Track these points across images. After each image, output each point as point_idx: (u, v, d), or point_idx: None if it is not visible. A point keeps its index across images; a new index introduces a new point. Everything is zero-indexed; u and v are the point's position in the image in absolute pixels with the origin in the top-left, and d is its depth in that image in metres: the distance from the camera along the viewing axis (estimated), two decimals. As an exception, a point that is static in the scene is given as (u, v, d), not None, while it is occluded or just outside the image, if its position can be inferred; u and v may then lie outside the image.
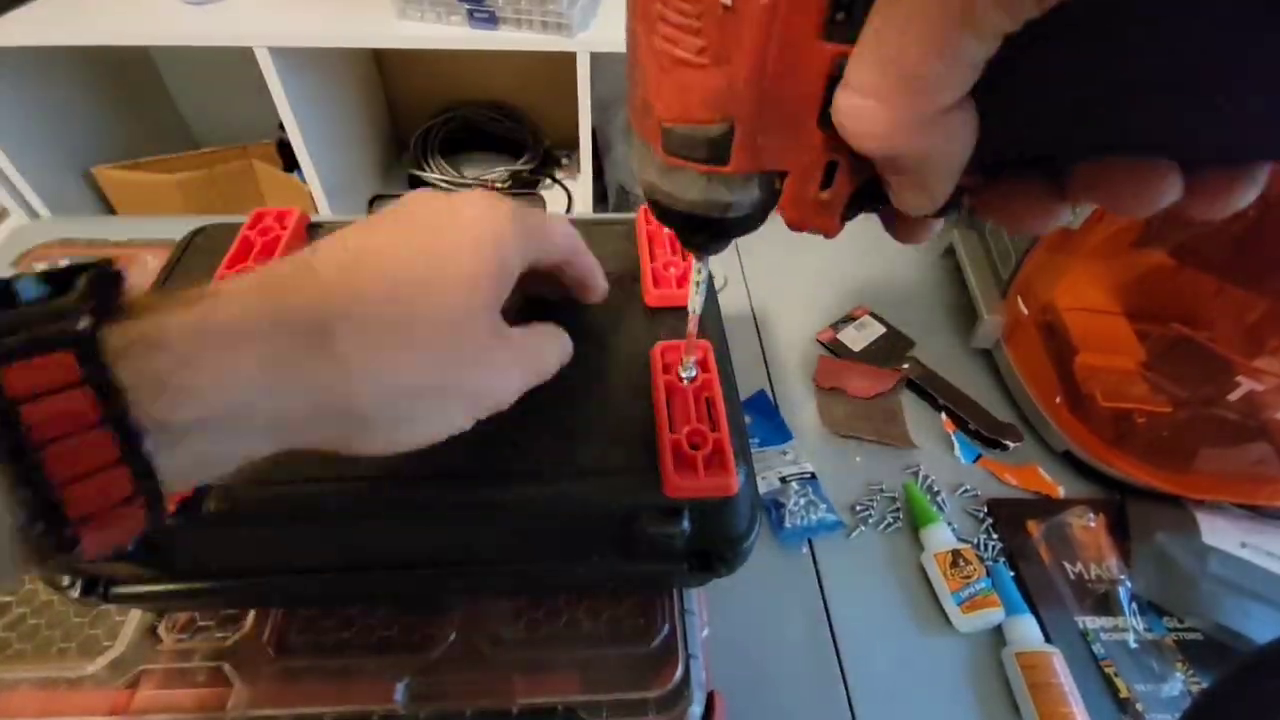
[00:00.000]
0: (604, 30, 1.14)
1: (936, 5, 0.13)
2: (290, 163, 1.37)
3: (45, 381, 0.17)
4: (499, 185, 1.49)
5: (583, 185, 1.42)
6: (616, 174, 1.47)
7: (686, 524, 0.31)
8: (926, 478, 0.54)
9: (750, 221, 0.22)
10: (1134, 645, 0.45)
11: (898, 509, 0.52)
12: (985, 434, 0.57)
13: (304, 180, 1.30)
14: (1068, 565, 0.49)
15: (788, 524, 0.50)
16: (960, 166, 0.17)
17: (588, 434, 0.34)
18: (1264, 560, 0.48)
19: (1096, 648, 0.45)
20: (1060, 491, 0.54)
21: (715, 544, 0.32)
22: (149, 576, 0.32)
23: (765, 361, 0.63)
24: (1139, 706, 0.42)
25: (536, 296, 0.37)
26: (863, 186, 0.19)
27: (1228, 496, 0.51)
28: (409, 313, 0.24)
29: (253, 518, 0.30)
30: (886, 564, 0.49)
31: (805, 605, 0.47)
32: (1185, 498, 0.51)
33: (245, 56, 1.10)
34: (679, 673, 0.34)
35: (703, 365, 0.36)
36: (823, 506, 0.51)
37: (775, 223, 0.22)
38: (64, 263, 0.20)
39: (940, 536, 0.49)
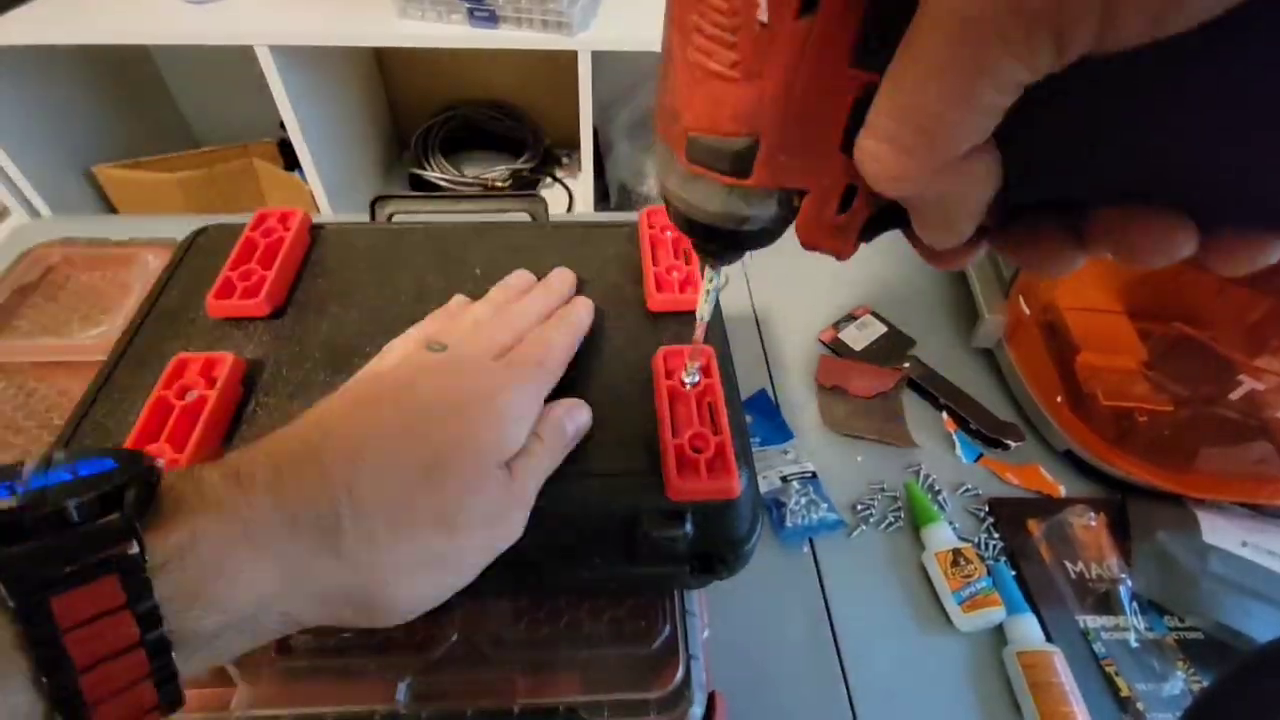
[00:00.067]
0: (605, 29, 1.14)
1: (955, 55, 0.13)
2: (291, 161, 1.37)
3: (92, 609, 0.19)
4: (500, 184, 1.49)
5: (583, 184, 1.42)
6: (617, 173, 1.47)
7: (689, 527, 0.31)
8: (928, 477, 0.54)
9: (766, 236, 0.22)
10: (1135, 644, 0.45)
11: (899, 508, 0.52)
12: (986, 433, 0.56)
13: (304, 179, 1.31)
14: (1069, 564, 0.49)
15: (789, 523, 0.50)
16: (981, 208, 0.17)
17: (590, 438, 0.34)
18: (1265, 559, 0.48)
19: (1097, 647, 0.45)
20: (1061, 491, 0.54)
21: (717, 546, 0.32)
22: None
23: (766, 360, 0.63)
24: (1140, 706, 0.42)
25: None
26: (882, 210, 0.19)
27: (1229, 496, 0.51)
28: (415, 503, 0.25)
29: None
30: (887, 563, 0.49)
31: (806, 605, 0.47)
32: (1186, 497, 0.51)
33: (246, 55, 1.10)
34: (680, 673, 0.34)
35: (705, 370, 0.36)
36: (824, 506, 0.51)
37: (777, 223, 0.22)
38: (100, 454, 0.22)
39: (941, 536, 0.49)
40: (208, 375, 0.35)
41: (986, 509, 0.52)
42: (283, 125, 1.21)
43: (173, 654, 0.20)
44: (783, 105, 0.17)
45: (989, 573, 0.47)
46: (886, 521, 0.51)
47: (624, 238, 0.46)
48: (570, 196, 1.52)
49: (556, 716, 0.33)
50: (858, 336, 0.64)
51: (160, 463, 0.26)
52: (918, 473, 0.54)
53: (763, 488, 0.52)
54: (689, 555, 0.32)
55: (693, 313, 0.34)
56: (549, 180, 1.56)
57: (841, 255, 0.21)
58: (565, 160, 1.58)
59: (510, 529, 0.28)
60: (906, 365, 0.61)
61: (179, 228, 0.55)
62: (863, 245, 0.21)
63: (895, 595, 0.48)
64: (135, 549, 0.19)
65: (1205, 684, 0.44)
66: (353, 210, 1.39)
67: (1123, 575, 0.48)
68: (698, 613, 0.37)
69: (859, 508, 0.52)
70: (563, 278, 0.41)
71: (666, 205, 0.23)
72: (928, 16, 0.13)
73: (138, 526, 0.20)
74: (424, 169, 1.51)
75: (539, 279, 0.41)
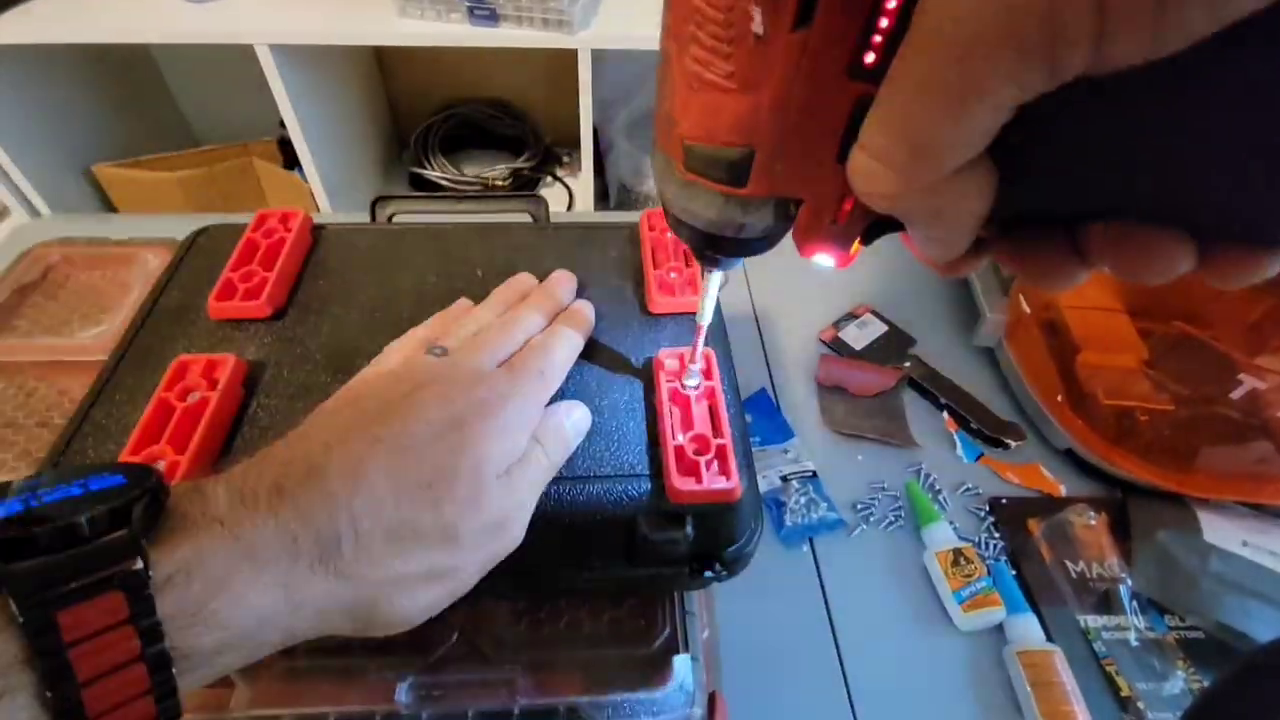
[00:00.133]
0: (605, 27, 1.14)
1: (947, 75, 0.13)
2: (291, 160, 1.37)
3: (96, 624, 0.19)
4: (500, 183, 1.49)
5: (584, 183, 1.42)
6: (618, 172, 1.47)
7: (689, 530, 0.31)
8: (928, 476, 0.54)
9: (763, 243, 0.22)
10: (1135, 644, 0.45)
11: (899, 507, 0.52)
12: (987, 432, 0.56)
13: (304, 178, 1.30)
14: (1069, 564, 0.49)
15: (789, 523, 0.50)
16: (975, 223, 0.17)
17: (591, 440, 0.34)
18: (1265, 559, 0.48)
19: (1098, 646, 0.45)
20: (1062, 490, 0.54)
21: (717, 549, 0.32)
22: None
23: (767, 360, 0.63)
24: (1140, 705, 0.42)
25: None
26: (881, 216, 0.19)
27: (1230, 495, 0.51)
28: (416, 519, 0.25)
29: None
30: (888, 563, 0.49)
31: (806, 604, 0.47)
32: (1187, 496, 0.51)
33: (246, 54, 1.09)
34: (680, 673, 0.34)
35: (705, 372, 0.36)
36: (824, 505, 0.51)
37: (777, 224, 0.22)
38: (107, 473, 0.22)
39: (942, 535, 0.49)
40: (209, 377, 0.35)
41: (987, 508, 0.52)
42: (283, 124, 1.21)
43: (173, 669, 0.20)
44: (779, 116, 0.17)
45: (989, 572, 0.47)
46: (887, 521, 0.51)
47: (624, 239, 0.46)
48: (570, 195, 1.52)
49: (557, 716, 0.33)
50: (858, 335, 0.64)
51: (160, 466, 0.26)
52: (918, 472, 0.54)
53: (763, 487, 0.52)
54: (689, 557, 0.32)
55: (693, 315, 0.34)
56: (549, 179, 1.55)
57: (838, 264, 0.21)
58: (565, 159, 1.58)
59: (511, 536, 0.28)
60: (907, 364, 0.61)
61: (179, 227, 0.55)
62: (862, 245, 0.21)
63: (895, 595, 0.48)
64: (140, 565, 0.20)
65: (1205, 683, 0.44)
66: (352, 209, 1.39)
67: (1123, 574, 0.48)
68: (698, 613, 0.37)
69: (859, 507, 0.52)
70: (564, 281, 0.41)
71: (665, 212, 0.23)
72: (920, 35, 0.13)
73: (144, 543, 0.20)
74: (424, 168, 1.51)
75: (540, 280, 0.41)
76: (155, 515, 0.22)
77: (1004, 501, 0.53)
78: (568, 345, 0.36)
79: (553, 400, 0.34)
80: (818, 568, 0.49)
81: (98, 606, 0.19)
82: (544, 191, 1.52)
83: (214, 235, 0.46)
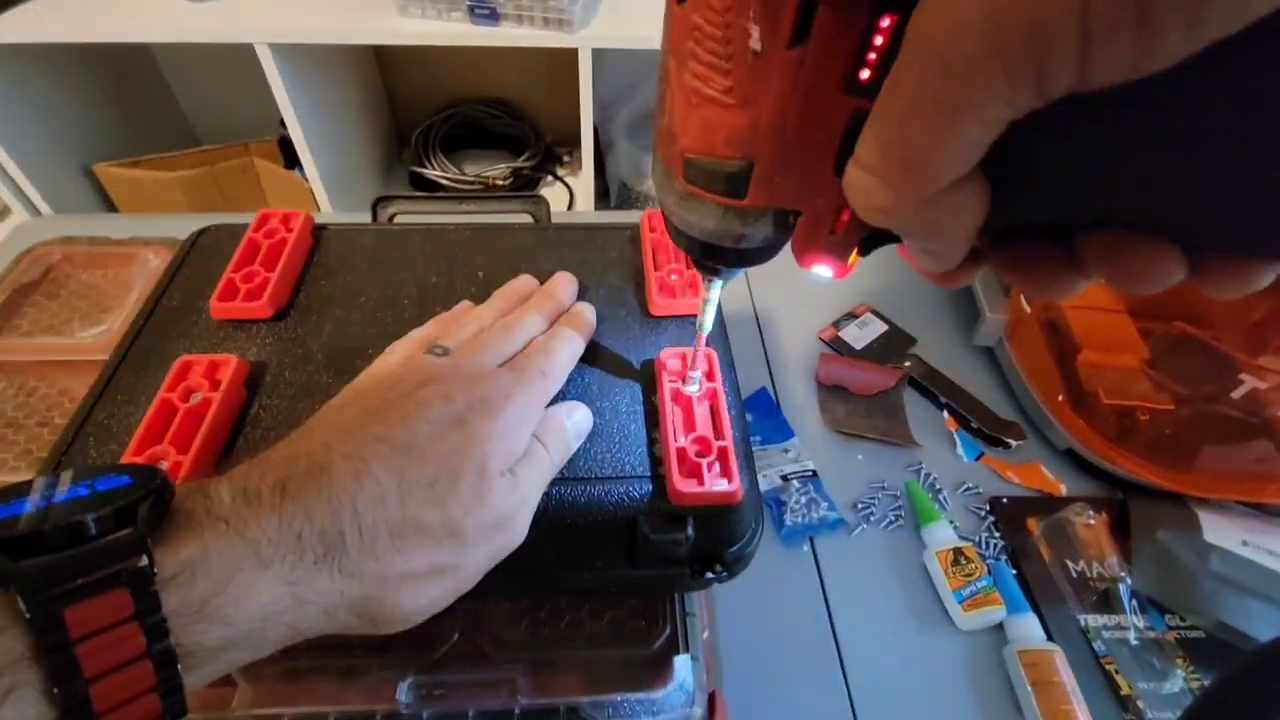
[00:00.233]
0: (606, 26, 1.14)
1: (938, 94, 0.13)
2: (291, 160, 1.37)
3: (103, 621, 0.19)
4: (500, 182, 1.49)
5: (584, 182, 1.42)
6: (618, 171, 1.47)
7: (690, 531, 0.31)
8: (928, 476, 0.54)
9: (762, 253, 0.23)
10: (1135, 643, 0.45)
11: (899, 507, 0.52)
12: (987, 432, 0.57)
13: (305, 177, 1.30)
14: (1069, 563, 0.49)
15: (789, 522, 0.50)
16: (970, 234, 0.17)
17: (592, 441, 0.34)
18: (1265, 558, 0.48)
19: (1098, 645, 0.45)
20: (1062, 489, 0.54)
21: (718, 550, 0.32)
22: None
23: (767, 359, 0.63)
24: (1140, 704, 0.42)
25: None
26: (876, 230, 0.20)
27: (1230, 494, 0.51)
28: (420, 517, 0.25)
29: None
30: (888, 562, 0.49)
31: (807, 603, 0.47)
32: (1187, 495, 0.51)
33: (246, 53, 1.09)
34: (680, 674, 0.34)
35: (707, 374, 0.36)
36: (824, 504, 0.51)
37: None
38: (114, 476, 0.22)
39: (942, 534, 0.49)
40: (211, 377, 0.35)
41: (987, 508, 0.52)
42: (283, 123, 1.21)
43: (178, 666, 0.21)
44: (777, 130, 0.17)
45: (989, 571, 0.47)
46: (887, 520, 0.51)
47: (625, 240, 0.46)
48: (571, 194, 1.52)
49: (557, 716, 0.33)
50: (858, 335, 0.64)
51: (164, 466, 0.26)
52: (918, 471, 0.54)
53: (763, 486, 0.52)
54: (690, 558, 0.32)
55: (694, 317, 0.34)
56: (549, 178, 1.55)
57: (836, 274, 0.22)
58: (566, 158, 1.58)
59: (514, 534, 0.29)
60: (907, 364, 0.62)
61: (180, 226, 0.55)
62: None
63: (896, 594, 0.48)
64: (145, 562, 0.20)
65: (1205, 683, 0.44)
66: (353, 208, 1.39)
67: (1123, 574, 0.48)
68: (698, 613, 0.37)
69: (860, 506, 0.52)
70: (565, 283, 0.41)
71: (665, 222, 0.24)
72: (912, 54, 0.14)
73: (149, 541, 0.20)
74: (424, 167, 1.51)
75: (541, 282, 0.41)
76: (160, 514, 0.22)
77: (1004, 501, 0.53)
78: (569, 346, 0.36)
79: (554, 401, 0.34)
80: (818, 567, 0.49)
81: (103, 604, 0.19)
82: (544, 190, 1.52)
83: (215, 235, 0.46)
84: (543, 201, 0.52)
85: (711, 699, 0.35)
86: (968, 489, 0.54)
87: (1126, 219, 0.16)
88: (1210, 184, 0.14)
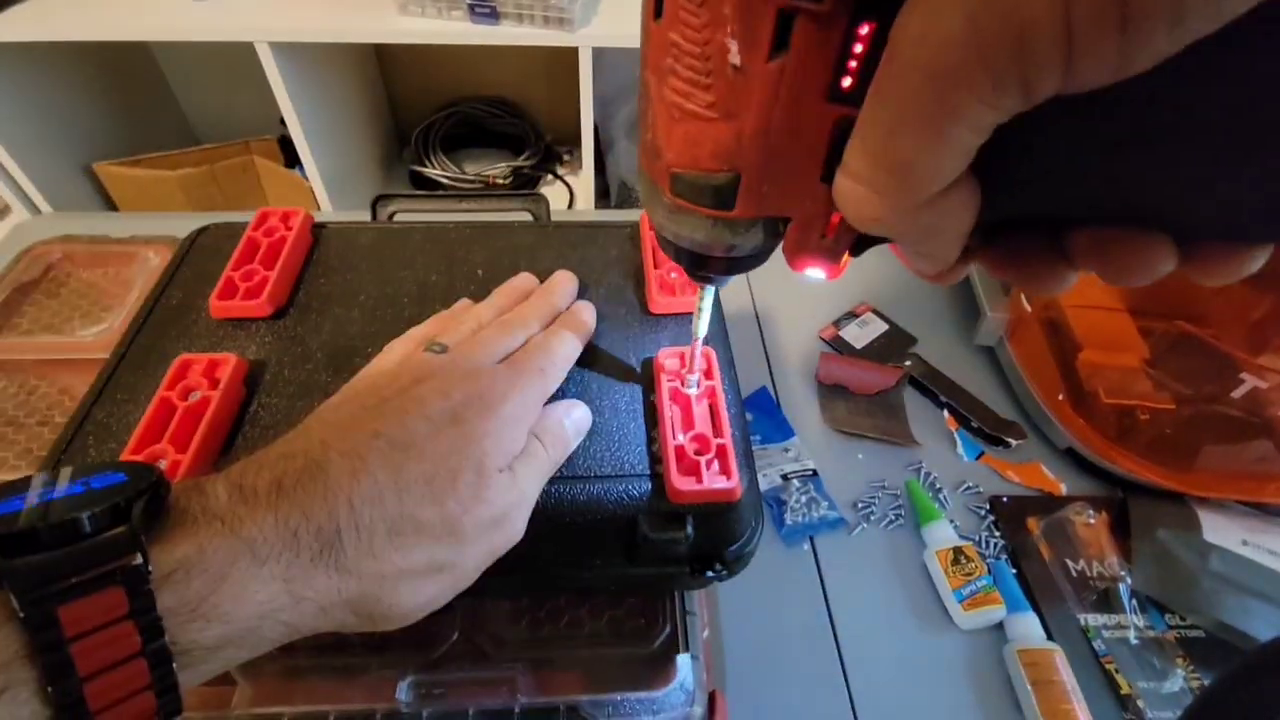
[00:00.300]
0: (606, 25, 1.13)
1: (924, 103, 0.13)
2: (291, 158, 1.37)
3: (97, 619, 0.19)
4: (500, 181, 1.49)
5: (584, 181, 1.42)
6: (618, 170, 1.47)
7: (690, 530, 0.31)
8: (929, 475, 0.54)
9: (754, 260, 0.23)
10: (1135, 642, 0.45)
11: (900, 506, 0.52)
12: (988, 431, 0.57)
13: (305, 176, 1.30)
14: (1069, 562, 0.49)
15: (789, 521, 0.50)
16: (962, 236, 0.17)
17: (591, 439, 0.34)
18: (1265, 558, 0.48)
19: (1097, 644, 0.45)
20: (1062, 489, 0.54)
21: (717, 548, 0.32)
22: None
23: (767, 358, 0.63)
24: (1140, 703, 0.42)
25: None
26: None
27: (1230, 494, 0.51)
28: (417, 514, 0.25)
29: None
30: (888, 561, 0.49)
31: (807, 603, 0.47)
32: (1187, 495, 0.51)
33: (246, 52, 1.09)
34: (680, 673, 0.34)
35: (706, 372, 0.36)
36: (825, 504, 0.51)
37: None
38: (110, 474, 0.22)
39: (942, 534, 0.49)
40: (211, 376, 0.35)
41: (987, 507, 0.52)
42: (283, 122, 1.21)
43: (173, 664, 0.21)
44: (761, 142, 0.17)
45: (989, 571, 0.47)
46: (887, 519, 0.51)
47: (625, 239, 0.46)
48: (571, 193, 1.52)
49: (557, 715, 0.33)
50: (859, 334, 0.64)
51: (162, 465, 0.26)
52: (919, 471, 0.54)
53: (763, 486, 0.52)
54: (690, 557, 0.32)
55: (693, 315, 0.34)
56: (550, 177, 1.55)
57: (829, 276, 0.22)
58: (566, 157, 1.58)
59: (512, 531, 0.28)
60: (908, 363, 0.61)
61: (180, 225, 0.55)
62: None
63: (896, 593, 0.48)
64: (140, 560, 0.20)
65: (1205, 682, 0.44)
66: (353, 207, 1.39)
67: (1123, 573, 0.48)
68: (698, 612, 0.37)
69: (860, 506, 0.52)
70: (565, 282, 0.41)
71: (657, 236, 0.24)
72: (895, 66, 0.14)
73: (143, 539, 0.20)
74: (425, 166, 1.51)
75: (541, 280, 0.41)
76: (156, 512, 0.22)
77: (1004, 500, 0.53)
78: (570, 345, 0.36)
79: (553, 399, 0.34)
80: (818, 566, 0.49)
81: (98, 602, 0.19)
82: (545, 189, 1.51)
83: (215, 234, 0.46)
84: (542, 200, 0.52)
85: (712, 698, 0.35)
86: (968, 488, 0.54)
87: (1118, 212, 0.16)
88: (1201, 174, 0.14)
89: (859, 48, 0.15)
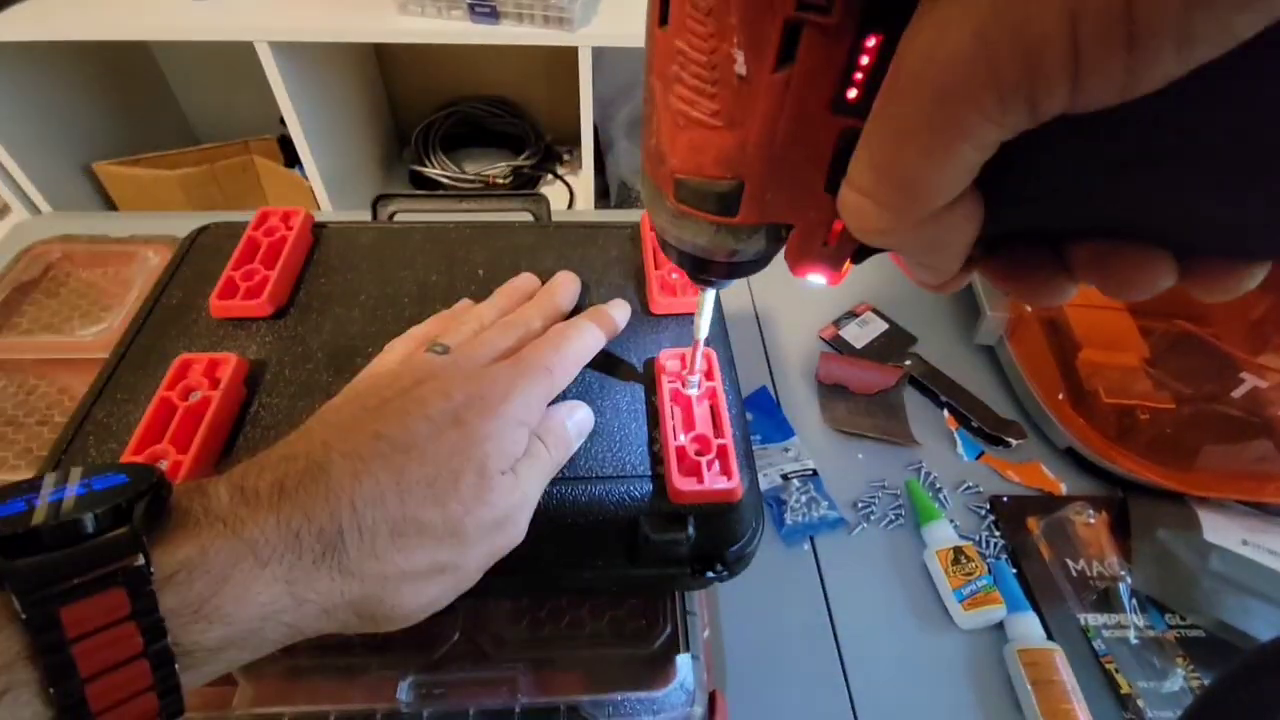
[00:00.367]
0: (606, 25, 1.13)
1: (930, 120, 0.13)
2: (291, 158, 1.37)
3: (99, 620, 0.19)
4: (500, 181, 1.49)
5: (584, 181, 1.42)
6: (618, 169, 1.47)
7: (690, 530, 0.31)
8: (929, 474, 0.54)
9: (756, 264, 0.23)
10: (1135, 642, 0.45)
11: (900, 506, 0.52)
12: (988, 431, 0.57)
13: (305, 176, 1.30)
14: (1069, 562, 0.49)
15: (789, 521, 0.50)
16: (965, 250, 0.17)
17: (593, 440, 0.34)
18: (1265, 558, 0.48)
19: (1097, 644, 0.45)
20: (1062, 488, 0.54)
21: (718, 549, 0.32)
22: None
23: (767, 358, 0.63)
24: (1140, 703, 0.42)
25: None
26: None
27: (1230, 494, 0.51)
28: (420, 516, 0.25)
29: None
30: (888, 561, 0.49)
31: (807, 602, 0.47)
32: (1187, 495, 0.51)
33: (246, 51, 1.09)
34: (680, 673, 0.34)
35: (706, 373, 0.36)
36: (825, 503, 0.51)
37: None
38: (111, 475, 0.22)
39: (942, 533, 0.49)
40: (211, 376, 0.35)
41: (987, 507, 0.52)
42: (283, 121, 1.21)
43: (175, 665, 0.21)
44: (766, 151, 0.17)
45: (990, 570, 0.47)
46: (887, 519, 0.51)
47: (626, 239, 0.46)
48: (571, 193, 1.52)
49: (558, 715, 0.33)
50: (859, 334, 0.64)
51: (163, 465, 0.26)
52: (919, 470, 0.54)
53: (764, 485, 0.52)
54: (690, 557, 0.32)
55: (694, 315, 0.34)
56: (550, 177, 1.55)
57: (830, 282, 0.22)
58: (566, 157, 1.58)
59: (514, 533, 0.28)
60: (908, 363, 0.61)
61: (180, 225, 0.55)
62: None
63: (896, 593, 0.48)
64: (142, 562, 0.20)
65: (1205, 682, 0.44)
66: (353, 206, 1.39)
67: (1123, 573, 0.48)
68: (699, 612, 0.37)
69: (860, 505, 0.52)
70: (567, 283, 0.41)
71: (659, 240, 0.24)
72: (902, 82, 0.14)
73: (145, 540, 0.20)
74: (425, 165, 1.51)
75: (543, 281, 0.41)
76: (158, 513, 0.22)
77: (1004, 500, 0.53)
78: (582, 342, 0.35)
79: (557, 400, 0.34)
80: (818, 566, 0.49)
81: (100, 603, 0.19)
82: (545, 189, 1.51)
83: (215, 233, 0.46)
84: (543, 200, 0.52)
85: (712, 698, 0.35)
86: (968, 488, 0.54)
87: (1120, 228, 0.16)
88: (1205, 196, 0.14)
89: (865, 60, 0.15)
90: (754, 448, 0.41)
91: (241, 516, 0.23)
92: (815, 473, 0.53)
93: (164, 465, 0.31)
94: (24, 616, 0.18)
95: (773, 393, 0.59)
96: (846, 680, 0.44)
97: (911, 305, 0.67)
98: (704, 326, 0.32)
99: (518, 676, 0.34)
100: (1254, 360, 0.49)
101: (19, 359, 0.53)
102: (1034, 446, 0.57)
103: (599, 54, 1.14)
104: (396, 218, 0.52)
